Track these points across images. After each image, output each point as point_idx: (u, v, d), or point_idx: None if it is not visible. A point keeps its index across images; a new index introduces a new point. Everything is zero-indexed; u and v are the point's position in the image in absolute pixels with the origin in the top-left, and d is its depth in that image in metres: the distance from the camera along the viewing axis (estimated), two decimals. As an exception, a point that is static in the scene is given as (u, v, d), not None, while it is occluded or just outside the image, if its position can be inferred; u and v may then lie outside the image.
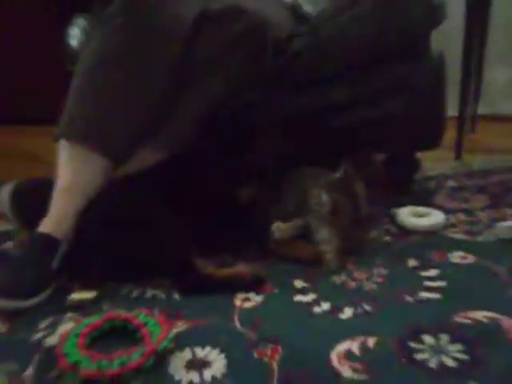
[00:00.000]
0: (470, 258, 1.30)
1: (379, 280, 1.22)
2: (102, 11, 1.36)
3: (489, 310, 1.07)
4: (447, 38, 1.96)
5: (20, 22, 2.73)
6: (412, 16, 1.45)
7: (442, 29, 1.51)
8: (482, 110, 2.59)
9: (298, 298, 1.16)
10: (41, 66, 2.68)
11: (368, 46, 1.48)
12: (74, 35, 1.64)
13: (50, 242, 1.23)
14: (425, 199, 1.66)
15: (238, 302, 1.15)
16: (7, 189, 1.42)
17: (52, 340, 1.04)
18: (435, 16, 1.49)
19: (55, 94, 1.41)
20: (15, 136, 2.57)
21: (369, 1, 1.47)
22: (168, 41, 1.34)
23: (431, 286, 1.18)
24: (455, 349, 0.97)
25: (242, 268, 1.24)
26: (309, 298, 1.16)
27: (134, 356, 0.94)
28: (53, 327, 1.09)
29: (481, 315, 1.06)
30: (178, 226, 1.23)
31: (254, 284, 1.20)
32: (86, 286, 1.21)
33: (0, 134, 2.58)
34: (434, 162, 1.97)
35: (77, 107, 1.33)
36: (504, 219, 1.48)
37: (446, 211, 1.54)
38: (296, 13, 1.55)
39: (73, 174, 1.31)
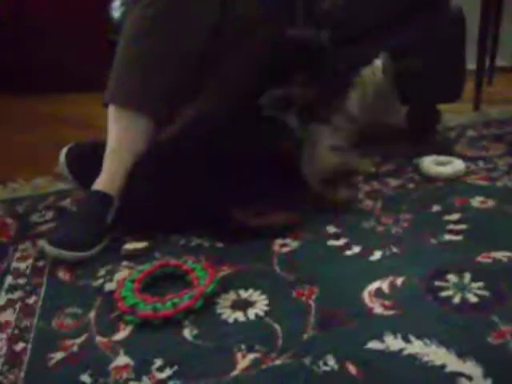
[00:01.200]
0: (490, 203, 1.28)
1: (405, 224, 1.22)
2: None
3: (509, 249, 1.07)
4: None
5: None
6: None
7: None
8: (499, 62, 2.52)
9: (331, 242, 1.16)
10: (87, 37, 2.67)
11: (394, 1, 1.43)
12: (117, 7, 1.63)
13: (104, 199, 1.25)
14: (446, 148, 1.63)
15: (276, 248, 1.16)
16: (63, 151, 1.44)
17: (111, 286, 1.06)
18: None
19: (101, 63, 1.41)
20: (67, 103, 2.59)
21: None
22: (203, 11, 1.32)
23: (454, 228, 1.18)
24: (477, 286, 0.97)
25: (275, 217, 1.24)
26: (341, 242, 1.16)
27: (185, 298, 0.96)
28: (111, 274, 1.11)
29: (501, 255, 1.06)
30: (216, 179, 1.23)
31: (286, 231, 1.21)
32: (137, 238, 1.22)
33: (52, 102, 2.60)
34: (453, 113, 1.93)
35: (121, 73, 1.33)
36: (521, 165, 1.46)
37: (466, 159, 1.52)
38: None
39: (121, 135, 1.32)
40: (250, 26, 1.36)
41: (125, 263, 1.15)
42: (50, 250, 1.16)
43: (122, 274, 1.10)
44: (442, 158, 1.49)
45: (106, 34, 1.62)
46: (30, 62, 2.81)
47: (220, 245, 1.19)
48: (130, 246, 1.20)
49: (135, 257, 1.17)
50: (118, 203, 1.26)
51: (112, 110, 1.34)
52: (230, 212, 1.21)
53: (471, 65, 1.88)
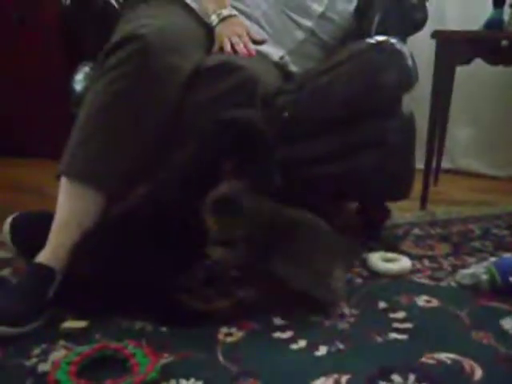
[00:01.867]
0: (435, 302, 1.30)
1: (352, 320, 1.21)
2: (105, 60, 1.36)
3: (452, 351, 1.07)
4: (416, 99, 2.00)
5: (32, 67, 2.76)
6: (388, 80, 1.47)
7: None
8: (443, 164, 2.64)
9: (277, 334, 1.14)
10: (50, 107, 2.70)
11: (346, 104, 1.49)
12: (79, 81, 1.64)
13: (46, 272, 1.21)
14: (393, 245, 1.67)
15: (220, 336, 1.13)
16: (8, 220, 1.40)
17: (45, 367, 1.01)
18: (408, 80, 1.52)
19: (60, 133, 1.40)
20: (21, 169, 2.56)
21: (349, 64, 1.49)
22: (165, 90, 1.35)
23: (399, 327, 1.18)
24: (421, 388, 0.97)
25: (222, 303, 1.23)
26: (287, 334, 1.14)
27: (123, 386, 0.92)
28: (46, 354, 1.06)
29: (444, 356, 1.06)
30: (164, 262, 1.21)
31: (231, 318, 1.18)
32: (77, 316, 1.18)
33: (8, 166, 2.57)
34: (401, 211, 1.99)
35: (77, 147, 1.32)
36: (464, 266, 1.49)
37: (412, 257, 1.55)
38: (283, 71, 1.57)
39: (70, 208, 1.30)
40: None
41: (62, 343, 1.10)
42: (-19, 323, 1.10)
43: (58, 354, 1.05)
44: (389, 255, 1.52)
45: (68, 106, 1.62)
46: None
47: (163, 329, 1.16)
48: (68, 324, 1.15)
49: (74, 336, 1.12)
50: (61, 277, 1.22)
51: (64, 182, 1.32)
52: (177, 295, 1.19)
53: (419, 165, 1.95)
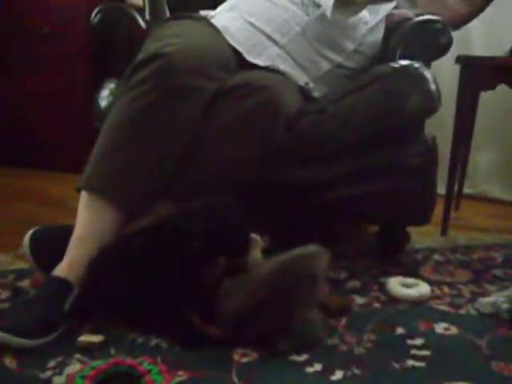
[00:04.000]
0: (454, 330, 1.28)
1: (369, 345, 1.20)
2: (130, 78, 1.38)
3: (471, 381, 1.06)
4: (439, 122, 2.00)
5: (58, 80, 2.81)
6: (410, 104, 1.48)
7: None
8: (465, 190, 2.62)
9: (293, 357, 1.14)
10: (75, 121, 2.75)
11: (368, 128, 1.50)
12: (104, 97, 1.67)
13: (63, 286, 1.22)
14: (412, 270, 1.65)
15: (236, 357, 1.12)
16: (29, 233, 1.41)
17: (59, 380, 1.02)
18: (431, 105, 1.51)
19: (85, 147, 1.43)
20: (44, 181, 2.61)
21: (372, 87, 1.50)
22: (187, 110, 1.36)
23: (417, 354, 1.17)
24: (438, 418, 0.95)
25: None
26: (302, 358, 1.13)
27: (137, 403, 0.92)
28: (61, 367, 1.06)
29: (462, 386, 1.04)
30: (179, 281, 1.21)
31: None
32: (94, 330, 1.19)
33: (34, 179, 2.61)
34: (421, 236, 1.97)
35: (99, 162, 1.34)
36: (484, 295, 1.47)
37: (432, 283, 1.53)
38: (306, 95, 1.57)
39: (89, 223, 1.31)
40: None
41: (77, 356, 1.11)
42: (-1, 335, 1.11)
43: (74, 368, 1.06)
44: (408, 280, 1.50)
45: (93, 122, 1.65)
46: (15, 138, 2.90)
47: (178, 347, 1.16)
48: (84, 338, 1.16)
49: (89, 350, 1.12)
50: (78, 291, 1.23)
51: (84, 196, 1.34)
52: (192, 317, 1.18)
53: (440, 190, 1.94)
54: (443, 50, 1.70)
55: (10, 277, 1.48)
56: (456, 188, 2.30)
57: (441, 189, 1.84)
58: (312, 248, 1.18)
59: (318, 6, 1.60)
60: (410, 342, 1.22)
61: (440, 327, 1.29)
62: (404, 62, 1.53)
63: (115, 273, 1.22)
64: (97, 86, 1.73)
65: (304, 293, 1.17)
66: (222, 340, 1.15)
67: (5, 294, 1.38)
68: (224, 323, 1.15)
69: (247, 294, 1.15)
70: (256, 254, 1.25)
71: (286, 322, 1.14)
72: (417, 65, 1.51)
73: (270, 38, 1.58)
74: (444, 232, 2.09)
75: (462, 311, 1.39)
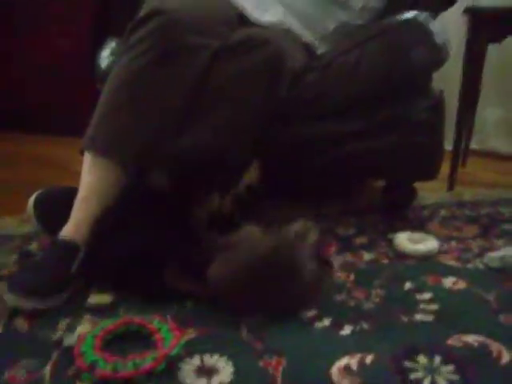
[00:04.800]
0: (461, 284, 1.28)
1: (377, 300, 1.21)
2: (129, 36, 1.36)
3: (479, 334, 1.06)
4: (445, 76, 1.97)
5: (59, 41, 2.76)
6: (416, 57, 1.45)
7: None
8: (472, 145, 2.59)
9: (302, 313, 1.14)
10: (75, 83, 2.71)
11: (374, 82, 1.48)
12: (105, 57, 1.64)
13: (69, 247, 1.22)
14: (419, 226, 1.65)
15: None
16: (33, 197, 1.41)
17: (70, 340, 1.02)
18: (438, 58, 1.49)
19: (86, 109, 1.41)
20: (48, 145, 2.60)
21: (377, 41, 1.47)
22: (189, 67, 1.34)
23: (425, 308, 1.17)
24: (447, 370, 0.96)
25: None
26: (311, 313, 1.14)
27: (147, 359, 0.93)
28: (71, 328, 1.07)
29: (471, 339, 1.05)
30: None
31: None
32: (102, 291, 1.19)
33: (34, 142, 2.61)
34: (427, 192, 1.96)
35: (100, 122, 1.33)
36: (492, 249, 1.47)
37: (439, 238, 1.53)
38: (310, 52, 1.54)
39: (93, 183, 1.30)
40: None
41: (87, 316, 1.12)
42: (9, 297, 1.12)
43: (84, 328, 1.06)
44: (416, 235, 1.50)
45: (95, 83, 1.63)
46: (18, 102, 2.86)
47: (188, 305, 1.16)
48: (93, 299, 1.16)
49: (99, 311, 1.13)
50: (84, 252, 1.23)
51: (87, 157, 1.33)
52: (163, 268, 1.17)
53: (447, 145, 1.92)
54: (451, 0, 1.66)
55: (18, 240, 1.48)
56: (463, 144, 2.28)
57: (447, 145, 1.82)
58: (300, 227, 1.18)
59: None
60: (418, 296, 1.22)
61: (448, 281, 1.29)
62: (409, 15, 1.49)
63: (116, 232, 1.22)
64: (99, 46, 1.70)
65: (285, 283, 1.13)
66: (192, 295, 1.16)
67: (13, 258, 1.38)
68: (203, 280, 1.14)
69: (231, 267, 1.13)
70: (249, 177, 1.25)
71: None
72: (422, 17, 1.48)
73: None
74: (451, 187, 2.08)
75: (470, 266, 1.39)
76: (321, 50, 1.58)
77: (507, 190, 2.10)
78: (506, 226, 1.67)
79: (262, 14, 1.53)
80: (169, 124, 1.34)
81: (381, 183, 1.83)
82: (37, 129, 2.73)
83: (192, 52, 1.34)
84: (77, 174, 1.34)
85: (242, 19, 1.52)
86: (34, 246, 1.44)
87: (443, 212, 1.80)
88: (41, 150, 2.52)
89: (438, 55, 1.48)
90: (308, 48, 1.55)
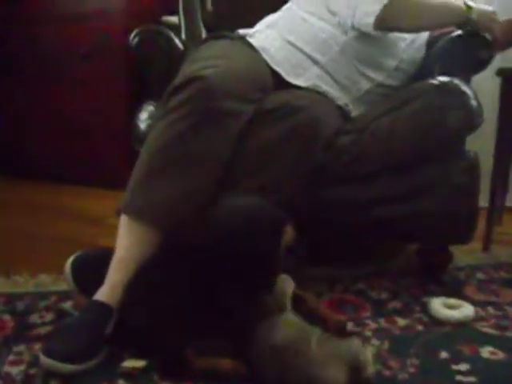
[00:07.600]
0: (500, 354, 1.25)
1: (412, 370, 1.19)
2: (168, 100, 1.40)
3: (519, 410, 1.04)
4: (481, 136, 1.97)
5: (100, 103, 2.86)
6: (451, 121, 1.46)
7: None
8: (508, 203, 2.56)
9: None
10: (114, 142, 2.81)
11: (408, 145, 1.50)
12: (143, 119, 1.69)
13: (104, 310, 1.24)
14: (455, 289, 1.62)
15: None
16: (69, 260, 1.43)
17: (104, 406, 1.03)
18: (472, 121, 1.50)
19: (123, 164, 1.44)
20: (65, 194, 2.69)
21: (411, 105, 1.49)
22: (226, 133, 1.37)
23: (463, 380, 1.15)
24: None
25: (226, 362, 1.16)
26: None
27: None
28: (105, 393, 1.08)
29: (511, 415, 1.02)
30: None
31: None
32: (136, 355, 1.19)
33: (70, 195, 2.69)
34: (462, 253, 1.92)
35: (137, 186, 1.35)
36: (532, 315, 1.44)
37: (475, 304, 1.50)
38: (344, 115, 1.56)
39: (128, 246, 1.32)
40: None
41: (121, 382, 1.12)
42: (44, 361, 1.14)
43: (118, 393, 1.07)
44: (451, 301, 1.47)
45: (131, 143, 1.67)
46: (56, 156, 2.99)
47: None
48: (128, 363, 1.16)
49: (133, 376, 1.13)
50: (118, 315, 1.25)
51: (124, 220, 1.35)
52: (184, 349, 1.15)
53: (482, 203, 1.90)
54: (484, 63, 1.68)
55: (53, 298, 1.51)
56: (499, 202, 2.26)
57: (482, 202, 1.81)
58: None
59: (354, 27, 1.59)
60: (454, 367, 1.20)
61: (486, 351, 1.27)
62: (443, 79, 1.52)
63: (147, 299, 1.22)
64: (135, 107, 1.76)
65: None
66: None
67: (49, 317, 1.40)
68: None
69: (260, 352, 1.12)
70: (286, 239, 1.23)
71: None
72: (456, 81, 1.50)
73: (310, 57, 1.58)
74: (486, 248, 2.05)
75: (509, 333, 1.36)
76: (355, 111, 1.60)
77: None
78: (545, 291, 1.63)
79: (296, 78, 1.56)
80: (205, 190, 1.36)
81: (416, 245, 1.81)
82: (73, 181, 2.82)
83: (230, 117, 1.37)
84: (113, 228, 1.37)
85: (278, 79, 1.56)
86: (69, 305, 1.46)
87: (479, 275, 1.76)
88: (76, 203, 2.57)
89: (473, 119, 1.49)
90: (342, 110, 1.57)
